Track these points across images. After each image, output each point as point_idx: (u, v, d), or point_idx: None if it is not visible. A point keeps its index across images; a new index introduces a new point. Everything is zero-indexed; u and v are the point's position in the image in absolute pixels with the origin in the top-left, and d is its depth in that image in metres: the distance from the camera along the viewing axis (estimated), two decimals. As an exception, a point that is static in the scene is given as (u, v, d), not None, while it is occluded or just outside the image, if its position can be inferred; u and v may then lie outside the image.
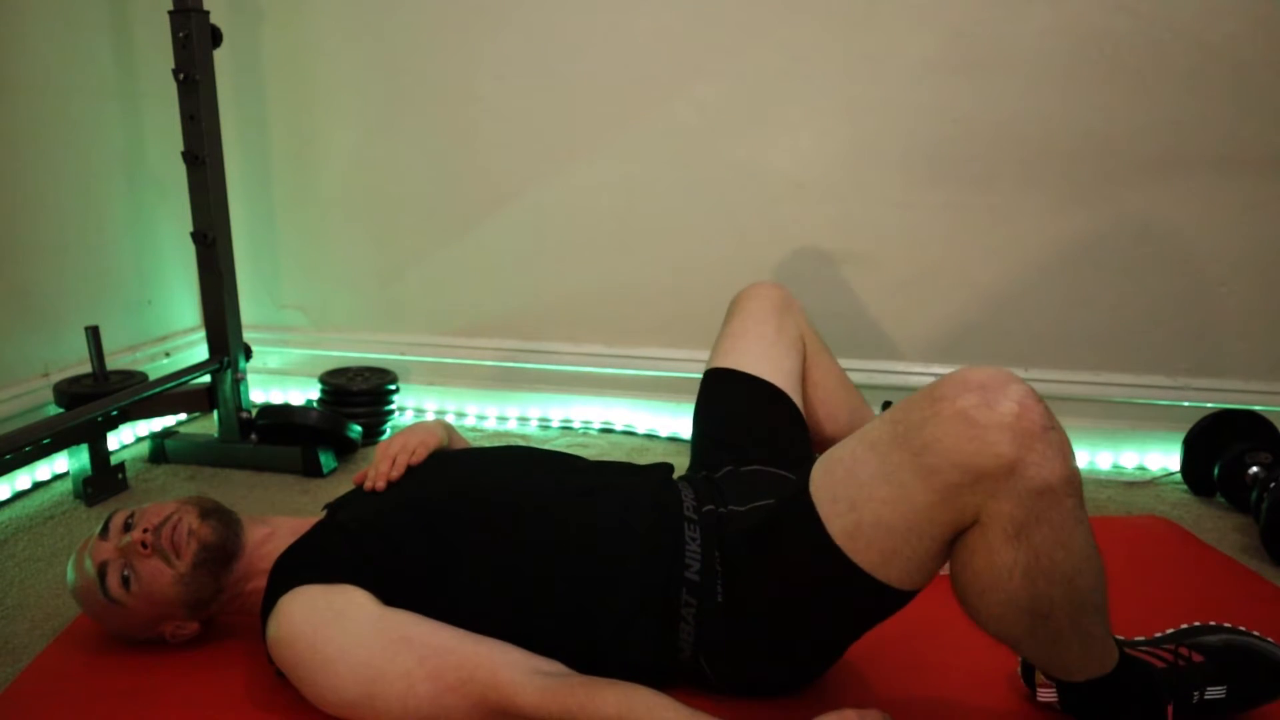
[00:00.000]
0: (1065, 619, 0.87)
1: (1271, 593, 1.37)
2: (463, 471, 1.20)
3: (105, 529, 1.12)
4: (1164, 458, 1.99)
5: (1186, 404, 1.99)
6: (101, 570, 1.09)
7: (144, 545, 1.08)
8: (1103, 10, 1.84)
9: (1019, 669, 1.11)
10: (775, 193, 2.07)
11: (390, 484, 1.16)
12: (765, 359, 1.38)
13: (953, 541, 0.87)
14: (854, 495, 0.88)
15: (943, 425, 0.81)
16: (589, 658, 1.04)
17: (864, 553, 0.89)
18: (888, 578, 0.89)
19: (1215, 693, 1.00)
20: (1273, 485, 1.57)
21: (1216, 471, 1.79)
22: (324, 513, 1.18)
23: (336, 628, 0.99)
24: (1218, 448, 1.80)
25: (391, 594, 1.04)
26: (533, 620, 1.04)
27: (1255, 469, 1.71)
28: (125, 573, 1.08)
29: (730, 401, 1.37)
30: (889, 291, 2.07)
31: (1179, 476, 1.89)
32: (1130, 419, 2.03)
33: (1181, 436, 1.87)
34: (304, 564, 1.09)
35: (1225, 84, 1.84)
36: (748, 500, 1.10)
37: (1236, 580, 1.42)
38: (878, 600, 0.93)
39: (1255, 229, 1.90)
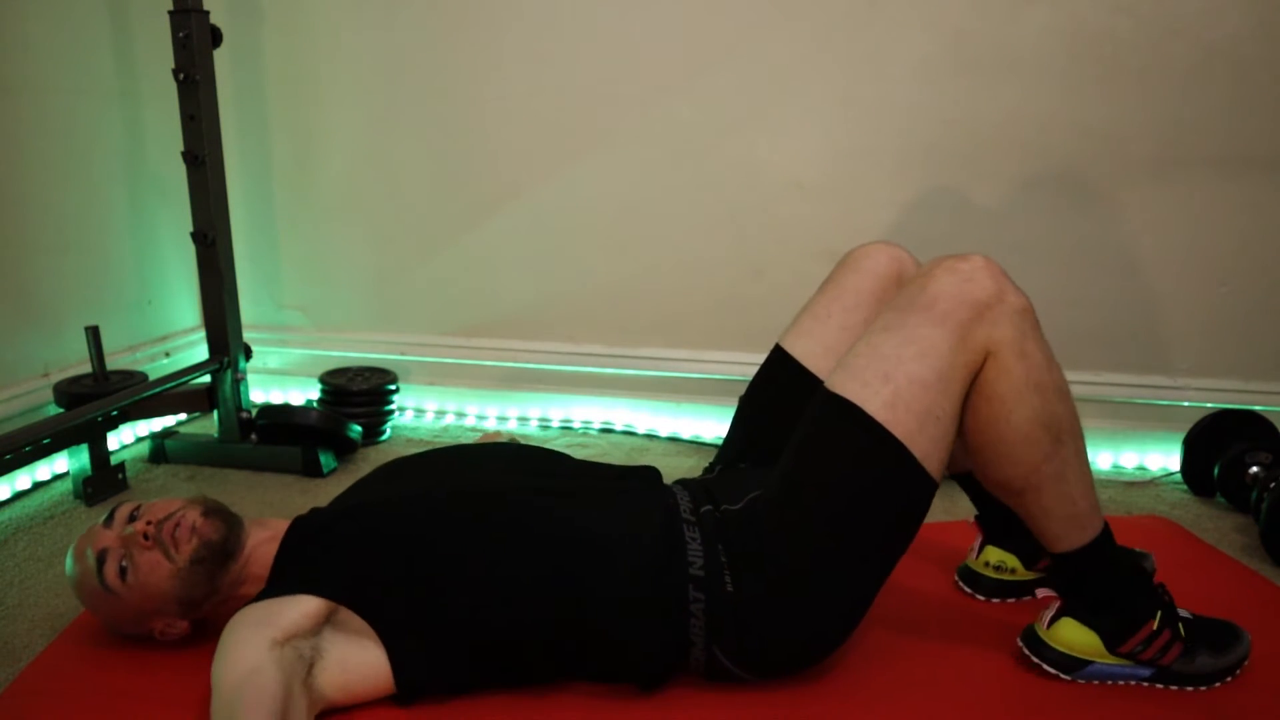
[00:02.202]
0: (1071, 442, 1.02)
1: (1272, 592, 1.37)
2: (446, 471, 1.20)
3: (110, 518, 1.13)
4: (1164, 458, 1.99)
5: (1186, 404, 1.99)
6: (101, 557, 1.09)
7: (146, 537, 1.09)
8: (1103, 10, 1.84)
9: (1019, 640, 1.15)
10: (775, 192, 2.07)
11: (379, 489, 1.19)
12: (834, 354, 1.21)
13: (965, 401, 1.01)
14: (884, 368, 1.00)
15: (939, 282, 1.01)
16: (602, 662, 1.06)
17: (903, 421, 0.98)
18: (921, 451, 0.99)
19: (1184, 613, 1.13)
20: (1273, 485, 1.57)
21: (1216, 471, 1.79)
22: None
23: (224, 663, 0.98)
24: (1218, 448, 1.80)
25: (382, 607, 1.05)
26: (539, 626, 1.05)
27: (1255, 469, 1.71)
28: (123, 563, 1.09)
29: (773, 393, 1.30)
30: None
31: (1179, 476, 1.89)
32: (1130, 419, 2.03)
33: (1181, 436, 1.87)
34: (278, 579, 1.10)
35: (1225, 84, 1.84)
36: (739, 497, 1.12)
37: (1236, 580, 1.42)
38: (910, 488, 1.01)
39: (1255, 229, 1.90)
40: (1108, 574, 1.09)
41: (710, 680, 1.09)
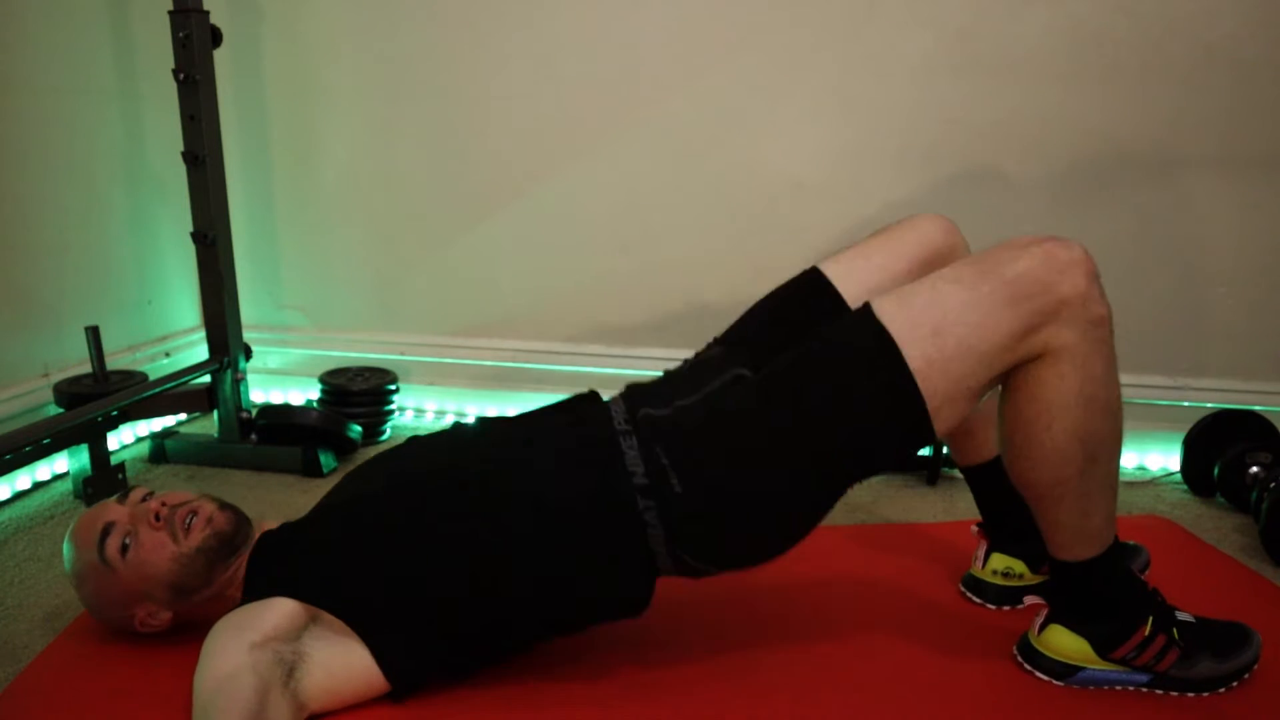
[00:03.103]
0: (1105, 463, 1.01)
1: (1272, 593, 1.37)
2: (398, 462, 1.20)
3: (125, 496, 1.14)
4: (1164, 458, 1.99)
5: (1186, 404, 1.98)
6: (106, 529, 1.09)
7: (157, 517, 1.09)
8: (1102, 10, 1.84)
9: (1015, 649, 1.14)
10: (775, 192, 2.07)
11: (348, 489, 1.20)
12: (870, 292, 1.15)
13: (992, 386, 0.99)
14: (939, 321, 0.96)
15: (1033, 259, 0.96)
16: (574, 604, 1.06)
17: (935, 380, 0.95)
18: (935, 408, 0.96)
19: (1185, 616, 1.11)
20: (1273, 485, 1.57)
21: (1216, 471, 1.79)
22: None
23: (203, 670, 0.99)
24: (1218, 448, 1.80)
25: (360, 597, 1.05)
26: (507, 588, 1.04)
27: (1255, 469, 1.71)
28: (127, 540, 1.09)
29: (795, 304, 1.25)
30: (889, 291, 2.07)
31: (1179, 476, 1.89)
32: (1130, 419, 1.99)
33: (1181, 436, 1.87)
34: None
35: (1225, 84, 1.84)
36: (700, 388, 1.09)
37: (1236, 580, 1.42)
38: (906, 433, 0.99)
39: (1255, 229, 1.90)
40: (1102, 585, 1.08)
41: (692, 578, 1.08)
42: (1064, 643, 1.10)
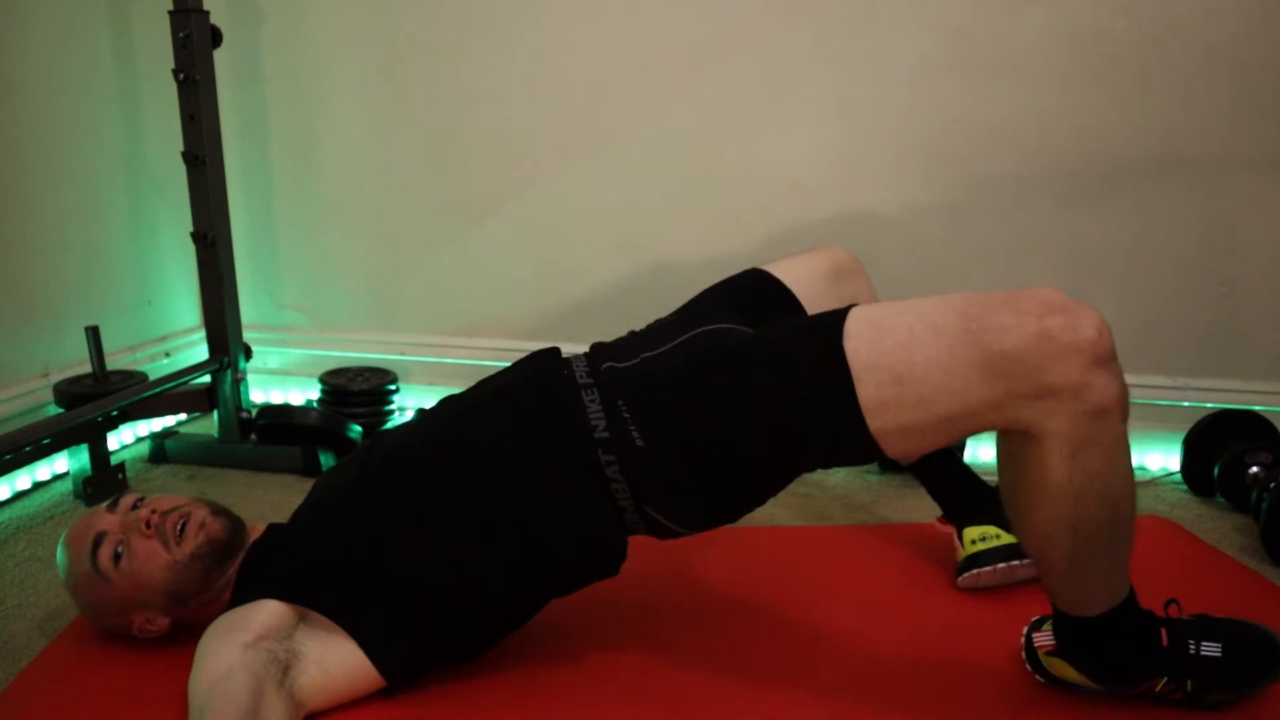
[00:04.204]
0: (1103, 545, 0.91)
1: (1272, 593, 1.37)
2: (366, 453, 1.20)
3: (115, 504, 1.13)
4: (1164, 458, 1.99)
5: (1186, 404, 1.98)
6: (98, 539, 1.09)
7: (148, 525, 1.09)
8: (1102, 10, 1.84)
9: (1022, 653, 1.12)
10: (774, 193, 2.07)
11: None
12: (803, 285, 1.28)
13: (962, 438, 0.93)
14: (903, 372, 0.88)
15: (1025, 337, 0.83)
16: (547, 561, 1.06)
17: (882, 421, 0.89)
18: (888, 444, 0.91)
19: (1211, 649, 1.01)
20: (1273, 485, 1.57)
21: (1216, 471, 1.79)
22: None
23: (197, 672, 0.99)
24: (1218, 448, 1.80)
25: (337, 588, 1.05)
26: (477, 552, 1.05)
27: (1255, 469, 1.71)
28: (119, 548, 1.08)
29: (743, 294, 1.29)
30: (887, 291, 2.03)
31: (1179, 476, 1.89)
32: (1130, 419, 2.02)
33: (1181, 436, 1.87)
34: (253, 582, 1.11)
35: (1225, 84, 1.83)
36: (666, 341, 1.09)
37: (1236, 580, 1.42)
38: (853, 453, 0.96)
39: (1255, 229, 1.90)
40: (1106, 647, 1.01)
41: (661, 538, 1.07)
42: (1070, 674, 1.06)
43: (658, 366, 1.06)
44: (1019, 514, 0.95)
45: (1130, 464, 0.91)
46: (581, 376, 1.07)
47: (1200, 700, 1.03)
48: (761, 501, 1.05)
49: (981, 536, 1.30)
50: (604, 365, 1.08)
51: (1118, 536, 0.92)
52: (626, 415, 1.01)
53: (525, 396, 1.10)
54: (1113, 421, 0.86)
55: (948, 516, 1.36)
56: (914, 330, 0.89)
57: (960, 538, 1.33)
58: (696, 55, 2.04)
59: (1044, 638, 1.07)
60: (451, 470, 1.06)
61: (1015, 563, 1.28)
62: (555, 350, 1.19)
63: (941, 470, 1.37)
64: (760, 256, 2.08)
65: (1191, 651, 1.01)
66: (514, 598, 1.09)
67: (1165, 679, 1.01)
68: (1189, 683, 1.02)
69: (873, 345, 0.90)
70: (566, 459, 1.03)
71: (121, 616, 1.13)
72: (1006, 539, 1.29)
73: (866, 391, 0.89)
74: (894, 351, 0.89)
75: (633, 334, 1.21)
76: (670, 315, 1.26)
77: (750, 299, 1.25)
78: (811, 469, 1.04)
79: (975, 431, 0.90)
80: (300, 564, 1.09)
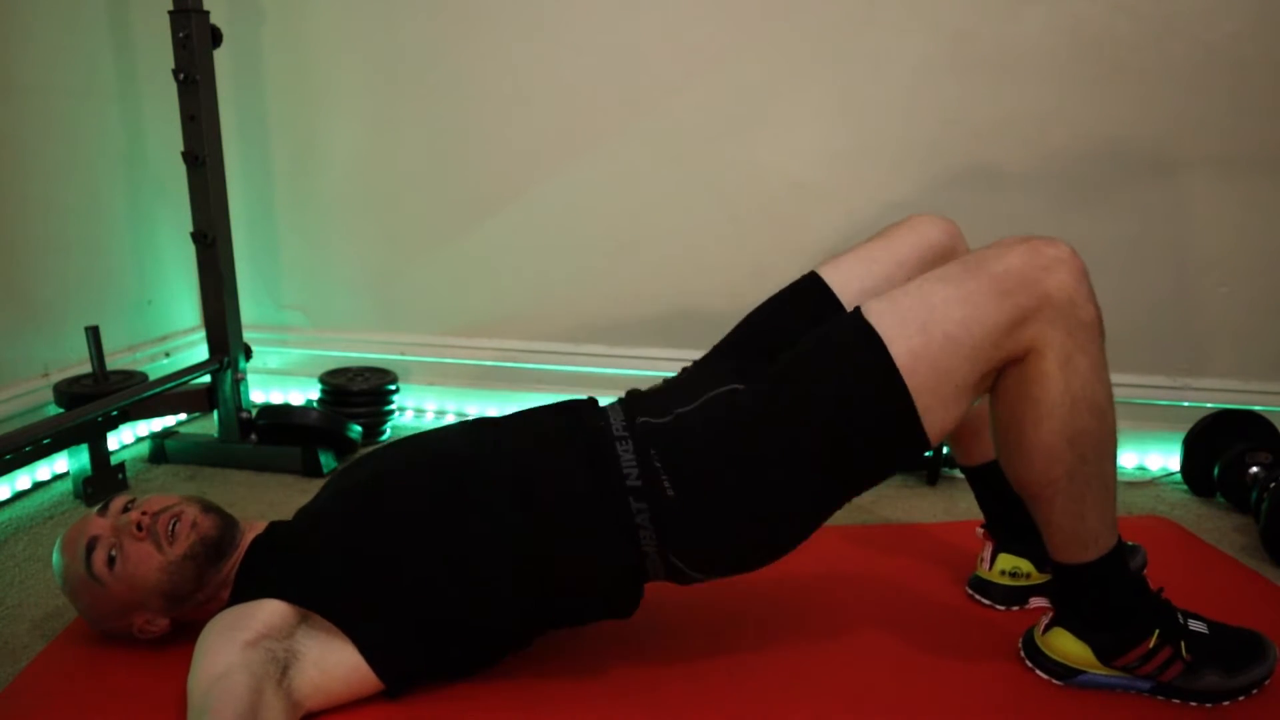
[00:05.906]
0: (1095, 463, 1.01)
1: (1272, 593, 1.37)
2: (382, 460, 1.20)
3: (105, 507, 1.13)
4: (1164, 458, 1.99)
5: (1186, 404, 1.98)
6: (90, 544, 1.09)
7: (139, 527, 1.08)
8: (1103, 10, 1.84)
9: (1020, 645, 1.14)
10: (775, 193, 2.07)
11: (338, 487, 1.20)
12: (869, 295, 1.16)
13: (981, 386, 0.99)
14: (925, 318, 0.97)
15: (1018, 255, 0.97)
16: (564, 599, 1.06)
17: (921, 374, 0.96)
18: (924, 406, 0.97)
19: (1197, 625, 1.09)
20: (1273, 485, 1.57)
21: (1216, 471, 1.79)
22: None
23: (196, 671, 0.99)
24: (1218, 448, 1.80)
25: (340, 596, 1.05)
26: (490, 581, 1.04)
27: (1255, 469, 1.71)
28: (112, 552, 1.08)
29: (793, 310, 1.25)
30: (889, 291, 2.07)
31: (1179, 476, 1.89)
32: (1130, 419, 2.02)
33: (1181, 436, 1.87)
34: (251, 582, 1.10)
35: (1225, 84, 1.84)
36: (697, 396, 1.09)
37: (1236, 580, 1.42)
38: (898, 440, 1.00)
39: (1255, 229, 1.90)
40: (1104, 592, 1.07)
41: (679, 584, 1.08)
42: (1067, 646, 1.09)
43: (690, 420, 1.06)
44: (1022, 441, 1.01)
45: (1109, 380, 1.01)
46: (618, 430, 1.08)
47: (1197, 680, 1.06)
48: (797, 541, 1.07)
49: (1014, 570, 1.30)
50: (639, 420, 1.08)
51: (1106, 457, 1.03)
52: (658, 465, 1.03)
53: (559, 439, 1.10)
54: (1095, 334, 0.98)
55: (992, 531, 1.34)
56: (924, 286, 1.00)
57: (993, 555, 1.32)
58: (697, 55, 2.04)
59: (1040, 601, 1.18)
60: (479, 499, 1.06)
61: (1016, 608, 1.30)
62: (593, 401, 1.20)
63: (1000, 487, 1.29)
64: (760, 256, 2.11)
65: (1180, 621, 1.08)
66: (524, 629, 1.09)
67: (1158, 634, 1.05)
68: (1184, 646, 1.06)
69: (892, 308, 1.00)
70: (594, 504, 1.04)
71: (121, 619, 1.13)
72: (1036, 579, 1.29)
73: (898, 349, 0.96)
74: (913, 307, 0.98)
75: (666, 383, 1.20)
76: (708, 358, 1.24)
77: (801, 326, 1.17)
78: (852, 488, 1.05)
79: (995, 365, 0.98)
80: (306, 564, 1.09)
